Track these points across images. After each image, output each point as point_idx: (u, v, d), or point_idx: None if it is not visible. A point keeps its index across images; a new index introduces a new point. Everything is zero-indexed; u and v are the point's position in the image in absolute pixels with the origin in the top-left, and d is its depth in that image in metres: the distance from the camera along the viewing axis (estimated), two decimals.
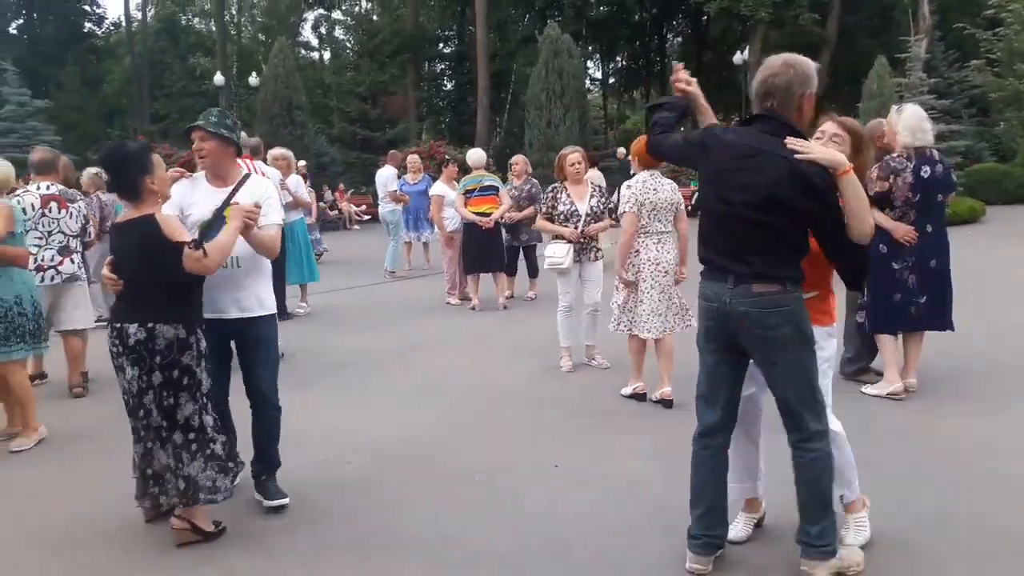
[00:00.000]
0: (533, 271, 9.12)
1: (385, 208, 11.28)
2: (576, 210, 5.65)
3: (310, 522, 3.39)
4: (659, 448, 4.13)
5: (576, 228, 5.61)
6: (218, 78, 29.13)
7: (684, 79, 2.98)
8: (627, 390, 5.08)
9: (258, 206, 3.25)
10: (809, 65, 2.71)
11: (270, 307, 3.53)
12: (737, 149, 2.70)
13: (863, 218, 2.62)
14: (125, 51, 42.05)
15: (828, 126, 2.96)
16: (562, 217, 5.68)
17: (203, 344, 3.19)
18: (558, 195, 5.72)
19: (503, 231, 8.64)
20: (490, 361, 6.24)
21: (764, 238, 2.65)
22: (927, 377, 5.04)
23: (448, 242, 8.83)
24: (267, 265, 3.52)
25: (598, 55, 41.42)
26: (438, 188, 9.02)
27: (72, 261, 5.49)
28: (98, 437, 4.60)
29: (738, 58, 25.79)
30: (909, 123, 4.71)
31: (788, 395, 2.72)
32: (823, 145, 2.80)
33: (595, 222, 5.69)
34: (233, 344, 3.52)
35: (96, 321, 6.09)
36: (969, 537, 3.07)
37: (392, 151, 13.33)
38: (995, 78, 25.05)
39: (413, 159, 11.97)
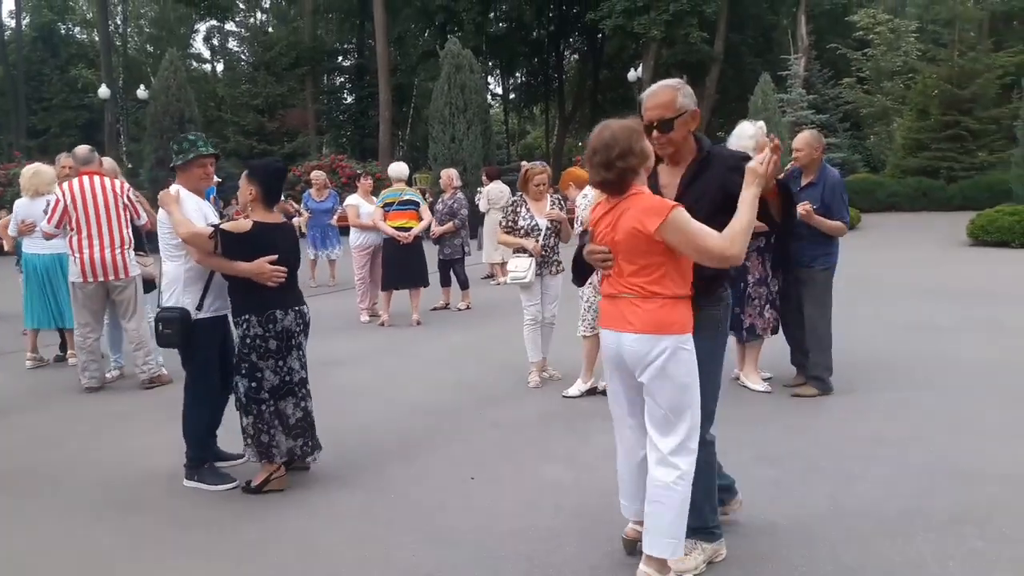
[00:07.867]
0: (447, 281, 9.32)
1: None
2: (537, 224, 5.70)
3: (213, 545, 3.34)
4: (572, 453, 4.27)
5: (537, 242, 5.65)
6: (103, 91, 27.85)
7: None
8: (578, 389, 5.39)
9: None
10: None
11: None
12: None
13: None
14: None
15: None
16: (523, 232, 5.72)
17: None
18: (518, 209, 5.76)
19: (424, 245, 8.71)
20: (404, 377, 6.23)
21: None
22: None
23: (360, 257, 8.74)
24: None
25: (498, 70, 41.93)
26: (352, 199, 8.87)
27: None
28: None
29: (632, 75, 26.66)
30: (731, 141, 4.94)
31: None
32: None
33: (556, 236, 5.77)
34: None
35: None
36: (859, 523, 3.31)
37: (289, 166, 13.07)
38: (865, 95, 27.00)
39: (318, 175, 11.74)
